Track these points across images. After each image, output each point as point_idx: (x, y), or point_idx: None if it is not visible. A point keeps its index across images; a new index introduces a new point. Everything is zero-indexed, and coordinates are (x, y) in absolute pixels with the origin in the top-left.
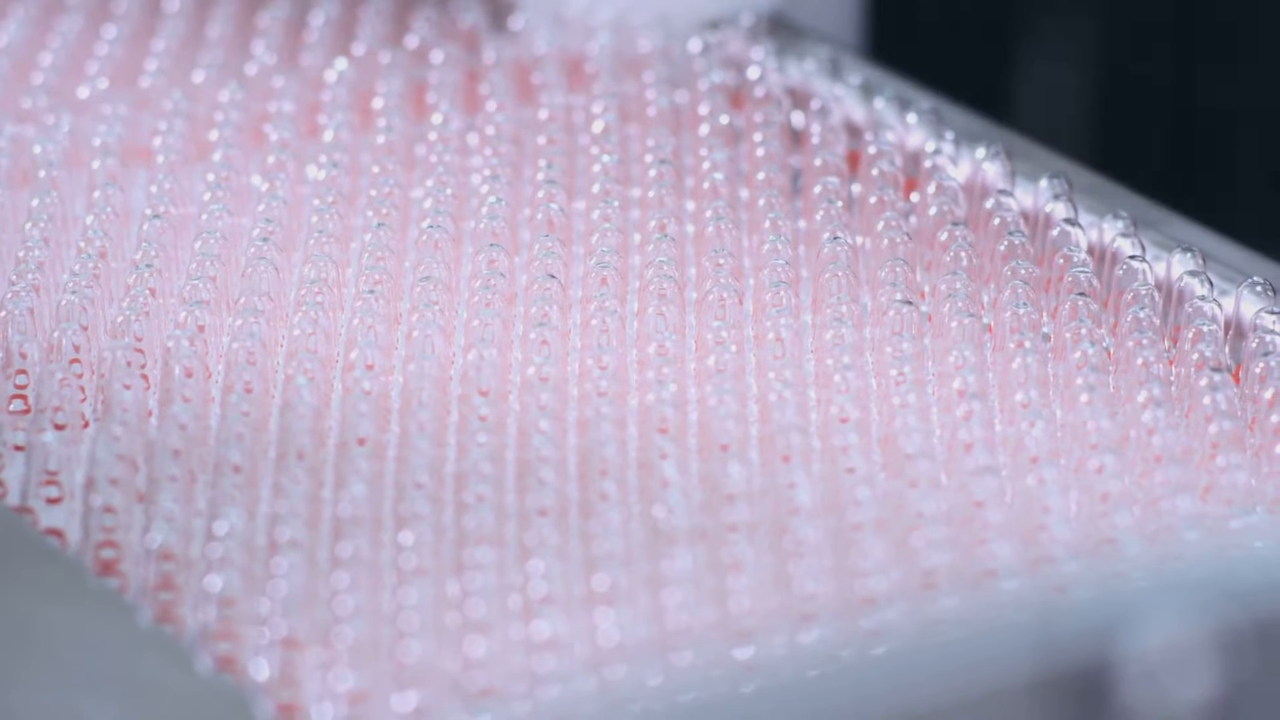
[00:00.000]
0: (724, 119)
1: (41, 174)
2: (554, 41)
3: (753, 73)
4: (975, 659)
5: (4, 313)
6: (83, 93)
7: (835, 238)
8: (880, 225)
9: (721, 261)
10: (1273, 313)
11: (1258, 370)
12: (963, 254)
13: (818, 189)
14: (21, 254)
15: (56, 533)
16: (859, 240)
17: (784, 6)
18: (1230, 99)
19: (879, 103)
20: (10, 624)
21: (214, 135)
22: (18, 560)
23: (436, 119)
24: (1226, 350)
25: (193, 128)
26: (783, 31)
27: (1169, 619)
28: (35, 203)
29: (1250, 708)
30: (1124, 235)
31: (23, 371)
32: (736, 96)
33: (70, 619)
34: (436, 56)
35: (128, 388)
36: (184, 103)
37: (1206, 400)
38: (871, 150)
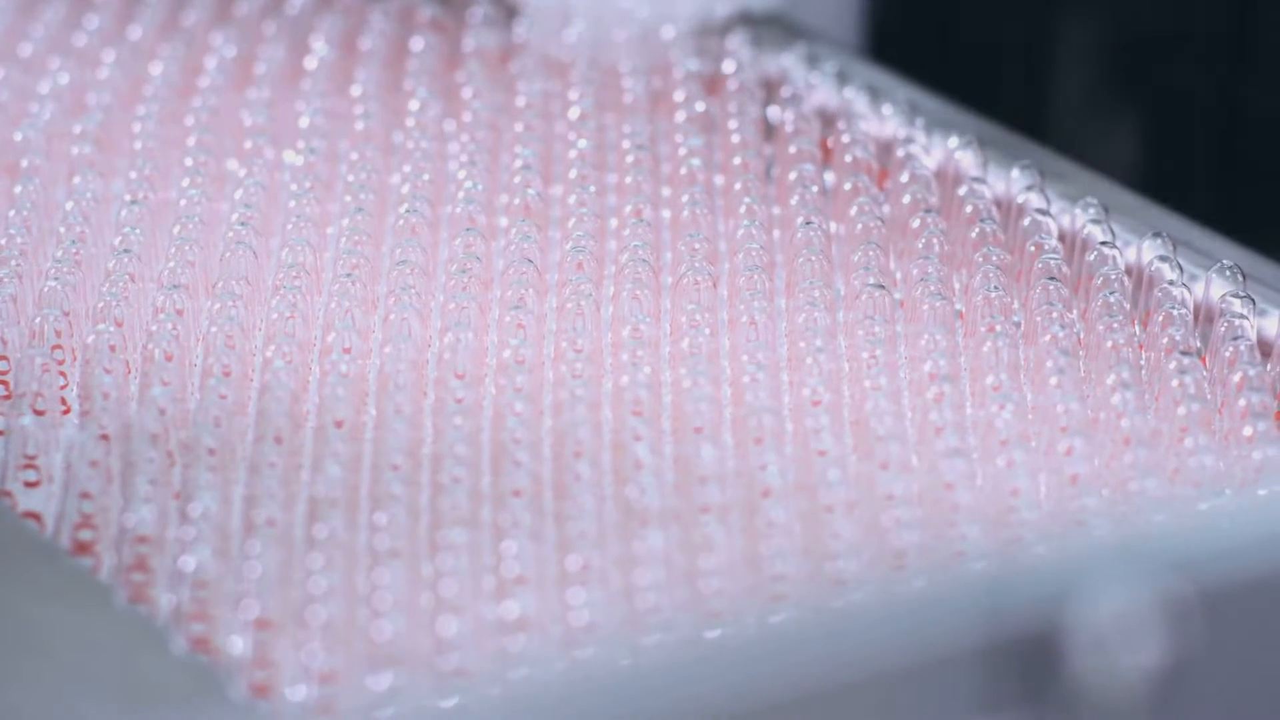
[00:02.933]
0: (700, 106)
1: (24, 162)
2: (532, 31)
3: (728, 66)
4: (924, 627)
5: None
6: (46, 87)
7: (809, 223)
8: (854, 211)
9: (697, 246)
10: (1241, 297)
11: (1226, 354)
12: (935, 240)
13: (793, 175)
14: (3, 241)
15: (34, 515)
16: (833, 226)
17: (784, 7)
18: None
19: (854, 92)
20: (10, 624)
21: (190, 121)
22: (17, 561)
23: (414, 105)
24: (1196, 334)
25: (170, 113)
26: (760, 23)
27: (1118, 588)
28: (17, 190)
29: (1198, 676)
30: (1094, 222)
31: (4, 358)
32: (712, 84)
33: (70, 619)
34: (416, 44)
35: (109, 372)
36: (162, 88)
37: (1175, 384)
38: (845, 138)
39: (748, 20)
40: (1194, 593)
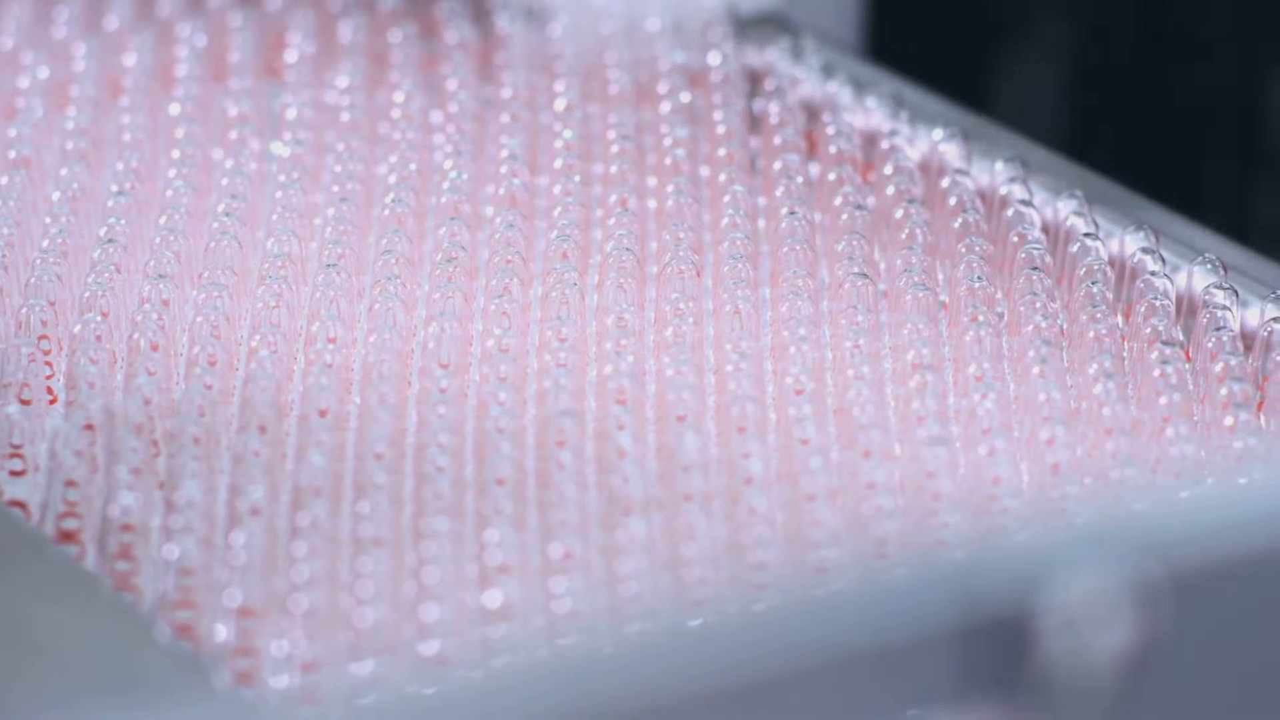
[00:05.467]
0: (685, 98)
1: (11, 154)
2: (515, 23)
3: (713, 58)
4: (901, 613)
5: None
6: (24, 81)
7: (793, 213)
8: (838, 201)
9: (681, 236)
10: (1223, 288)
11: (1209, 345)
12: (918, 231)
13: (777, 166)
14: None
15: (20, 504)
16: (816, 216)
17: (784, 7)
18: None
19: (839, 85)
20: (10, 624)
21: (175, 112)
22: (18, 560)
23: (399, 97)
24: (1178, 326)
25: (155, 103)
26: (746, 18)
27: (1089, 571)
28: (3, 181)
29: (1168, 659)
30: (1077, 214)
31: None
32: (698, 77)
33: (52, 607)
34: (395, 36)
35: (94, 362)
36: (141, 78)
37: (1157, 374)
38: (830, 130)
39: (735, 15)
40: (1165, 576)
